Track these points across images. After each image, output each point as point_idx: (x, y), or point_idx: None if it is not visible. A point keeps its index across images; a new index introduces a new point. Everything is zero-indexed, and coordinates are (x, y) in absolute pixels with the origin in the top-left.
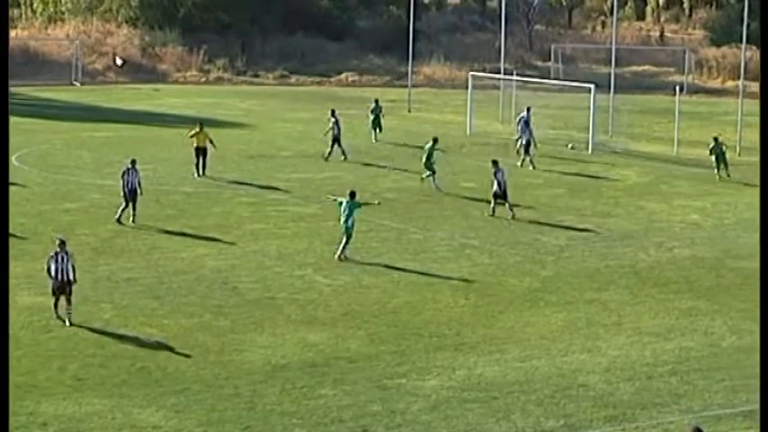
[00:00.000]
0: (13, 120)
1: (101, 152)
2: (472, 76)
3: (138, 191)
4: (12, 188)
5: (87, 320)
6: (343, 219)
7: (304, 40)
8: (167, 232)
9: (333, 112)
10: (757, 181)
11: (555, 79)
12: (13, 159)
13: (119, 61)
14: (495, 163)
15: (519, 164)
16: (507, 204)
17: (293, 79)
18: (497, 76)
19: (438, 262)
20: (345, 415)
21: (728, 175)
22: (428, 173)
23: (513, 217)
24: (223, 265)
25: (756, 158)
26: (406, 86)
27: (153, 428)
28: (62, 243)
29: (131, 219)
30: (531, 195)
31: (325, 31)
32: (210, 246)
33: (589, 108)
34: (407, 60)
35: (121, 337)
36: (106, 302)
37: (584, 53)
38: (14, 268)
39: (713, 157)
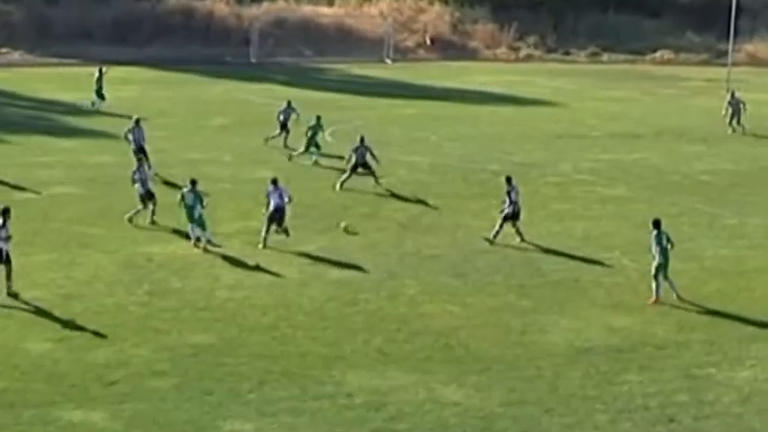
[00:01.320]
0: (327, 96)
1: (409, 128)
2: None
3: (145, 148)
4: (326, 162)
5: (393, 295)
6: (186, 211)
7: (617, 16)
8: (473, 211)
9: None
10: None
11: None
12: (327, 135)
13: (429, 39)
14: (508, 180)
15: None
16: (517, 228)
17: (605, 57)
18: None
19: (753, 249)
20: (651, 403)
21: None
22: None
23: (523, 240)
24: (527, 245)
25: None
26: (725, 65)
27: (454, 405)
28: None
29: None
30: None
31: (640, 7)
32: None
33: None
34: (727, 38)
35: (425, 314)
36: (411, 279)
37: None
38: (320, 243)
39: None
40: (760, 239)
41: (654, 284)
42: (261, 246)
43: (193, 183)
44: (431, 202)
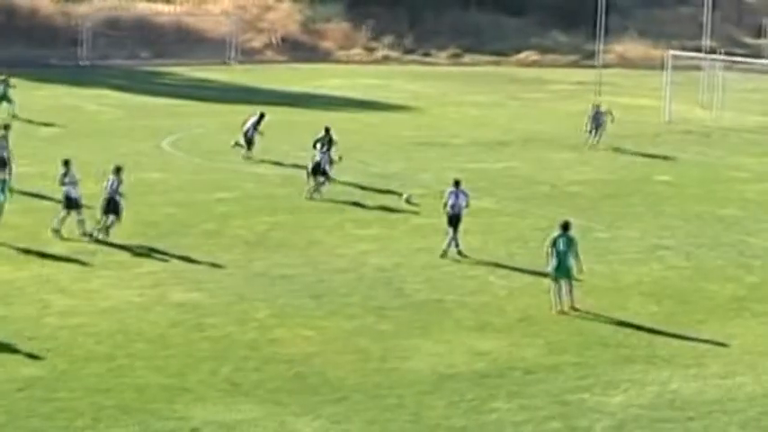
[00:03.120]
0: (165, 102)
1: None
2: (671, 55)
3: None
4: (162, 176)
5: (242, 320)
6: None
7: (479, 15)
8: (327, 226)
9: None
10: None
11: None
12: (164, 144)
13: (276, 40)
14: (456, 183)
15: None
16: (455, 235)
17: (467, 59)
18: (700, 55)
19: (627, 264)
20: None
21: None
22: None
23: (460, 253)
24: (387, 263)
25: None
26: (595, 67)
27: None
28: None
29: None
30: (737, 191)
31: (503, 4)
32: (373, 242)
33: None
34: (596, 37)
35: (277, 340)
36: (261, 301)
37: None
38: (163, 263)
39: None
40: (633, 254)
41: (553, 289)
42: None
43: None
44: (282, 217)
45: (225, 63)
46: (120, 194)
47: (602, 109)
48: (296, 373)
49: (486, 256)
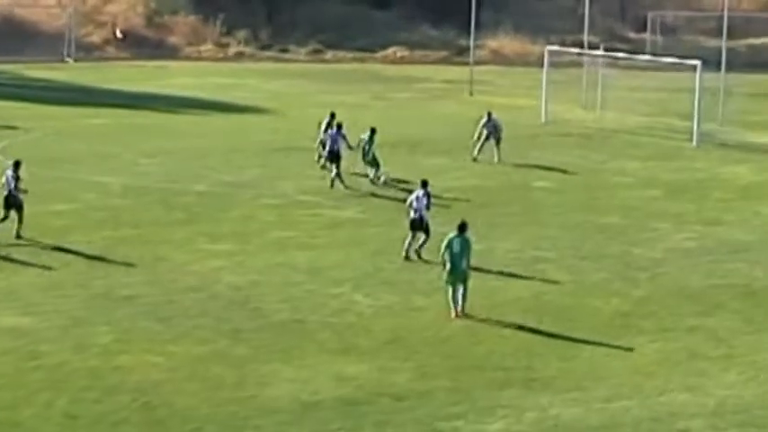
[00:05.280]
0: None
1: (97, 143)
2: (549, 51)
3: None
4: None
5: (81, 345)
6: None
7: (343, 7)
8: (175, 241)
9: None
10: None
11: (652, 55)
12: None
13: (119, 33)
14: (424, 184)
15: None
16: (424, 238)
17: (329, 55)
18: (580, 50)
19: (503, 279)
20: None
21: None
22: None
23: (420, 257)
24: (242, 281)
25: None
26: (468, 64)
27: None
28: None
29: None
30: (620, 198)
31: None
32: (227, 257)
33: (694, 90)
34: (469, 32)
35: (121, 367)
36: (102, 325)
37: (688, 22)
38: None
39: None
40: (510, 267)
41: (449, 294)
42: None
43: None
44: (125, 231)
45: (61, 60)
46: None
47: (494, 117)
48: (142, 404)
49: (351, 272)
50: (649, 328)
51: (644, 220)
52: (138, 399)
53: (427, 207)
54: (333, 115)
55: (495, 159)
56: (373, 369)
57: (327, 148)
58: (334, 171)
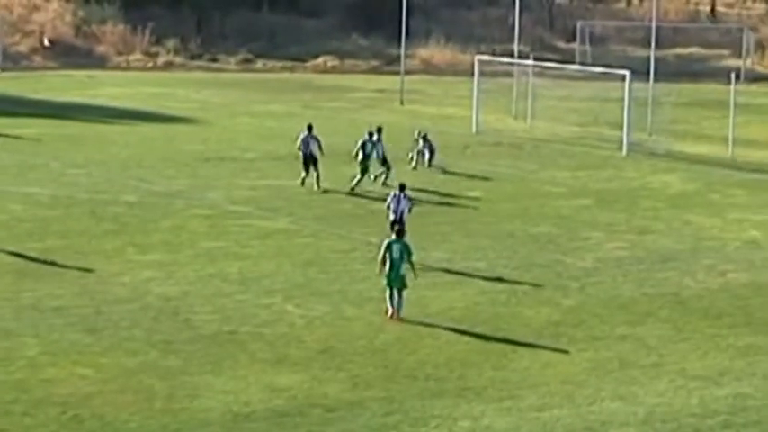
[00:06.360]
0: None
1: (24, 153)
2: (479, 60)
3: None
4: None
5: (8, 358)
6: None
7: (273, 16)
8: (105, 252)
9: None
10: None
11: (581, 64)
12: None
13: (47, 42)
14: (401, 187)
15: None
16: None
17: (259, 64)
18: (510, 60)
19: (435, 289)
20: None
21: None
22: (381, 170)
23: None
24: (173, 291)
25: None
26: (398, 74)
27: None
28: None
29: None
30: (552, 207)
31: (298, 5)
32: (158, 268)
33: (623, 100)
34: (399, 41)
35: (49, 380)
36: (30, 337)
37: (618, 32)
38: None
39: None
40: (443, 277)
41: (387, 294)
42: None
43: None
44: (53, 242)
45: None
46: None
47: (429, 137)
48: (72, 417)
49: (282, 283)
50: (580, 337)
51: (575, 230)
52: (67, 411)
53: (409, 210)
54: (310, 128)
55: (426, 166)
56: (305, 380)
57: (302, 151)
58: (315, 174)
